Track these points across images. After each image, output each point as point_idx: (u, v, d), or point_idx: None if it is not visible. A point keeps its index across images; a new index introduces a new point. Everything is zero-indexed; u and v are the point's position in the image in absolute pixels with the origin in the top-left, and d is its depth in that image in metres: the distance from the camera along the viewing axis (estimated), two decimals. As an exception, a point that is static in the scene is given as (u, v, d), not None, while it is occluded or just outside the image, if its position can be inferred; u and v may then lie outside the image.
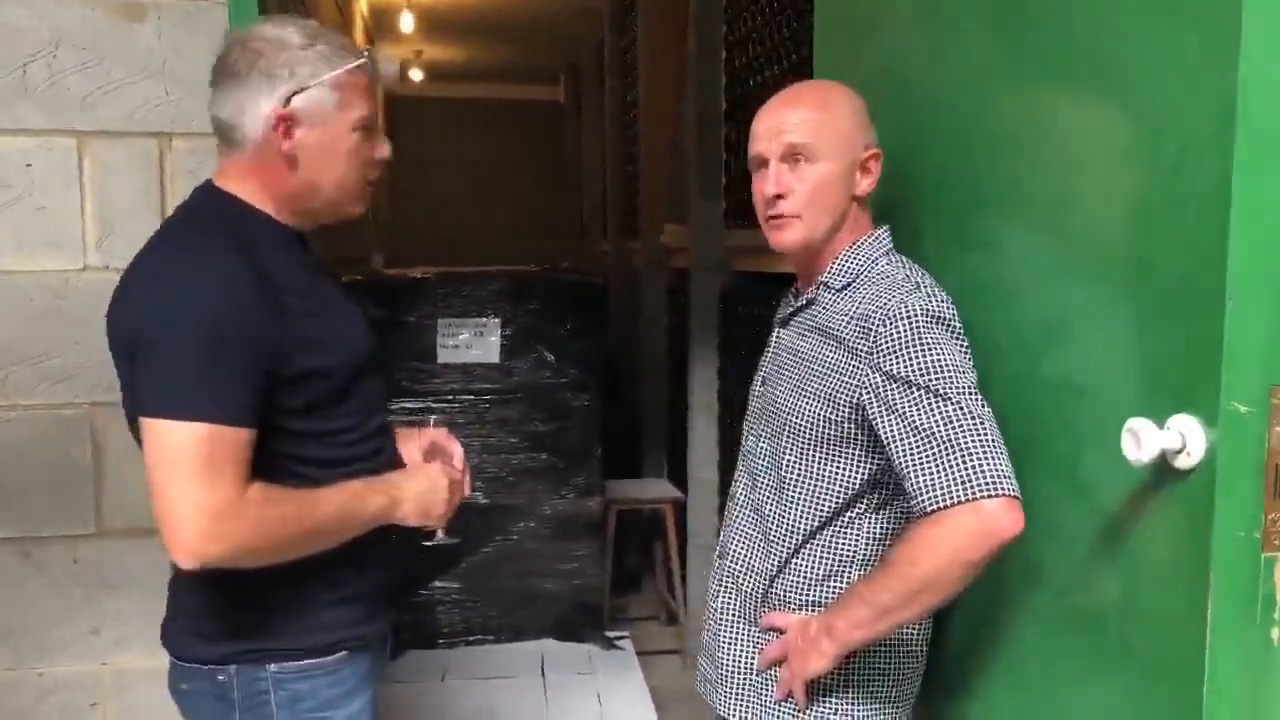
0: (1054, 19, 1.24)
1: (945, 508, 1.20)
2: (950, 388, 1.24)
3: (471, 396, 3.54)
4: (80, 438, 1.99)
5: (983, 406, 1.24)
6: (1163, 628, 1.08)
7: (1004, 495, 1.19)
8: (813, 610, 1.40)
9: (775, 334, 1.54)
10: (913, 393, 1.25)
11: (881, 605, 1.26)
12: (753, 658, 1.47)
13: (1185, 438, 1.01)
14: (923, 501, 1.22)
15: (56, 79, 1.93)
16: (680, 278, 4.38)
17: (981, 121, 1.40)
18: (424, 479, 1.45)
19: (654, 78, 4.94)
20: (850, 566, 1.40)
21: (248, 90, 1.30)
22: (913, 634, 1.43)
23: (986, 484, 1.19)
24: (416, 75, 8.77)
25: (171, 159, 1.97)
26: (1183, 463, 1.02)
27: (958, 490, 1.19)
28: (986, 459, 1.20)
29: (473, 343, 3.51)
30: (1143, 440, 1.02)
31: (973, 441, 1.21)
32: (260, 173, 1.34)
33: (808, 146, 1.39)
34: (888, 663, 1.42)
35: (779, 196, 1.40)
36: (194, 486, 1.20)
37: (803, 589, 1.42)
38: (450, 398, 3.52)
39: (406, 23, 6.81)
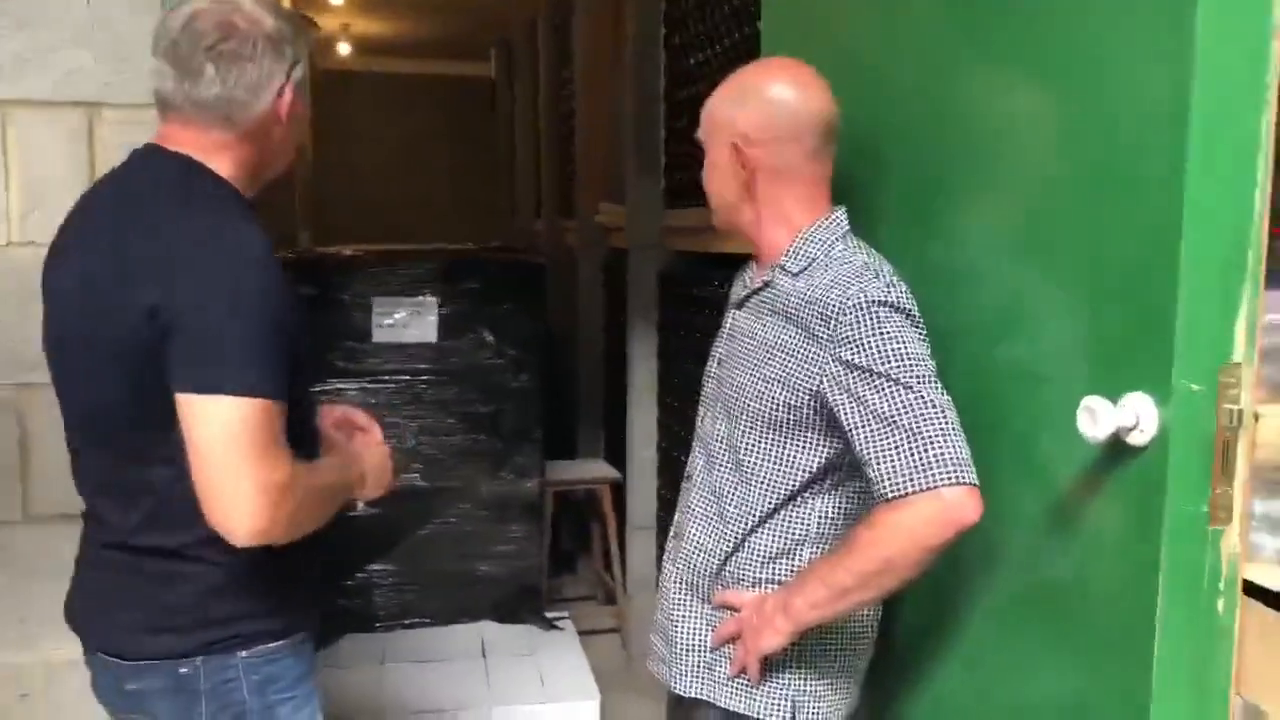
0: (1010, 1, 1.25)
1: (907, 494, 1.21)
2: (911, 376, 1.25)
3: (408, 377, 3.47)
4: (5, 421, 1.92)
5: (943, 394, 1.26)
6: (1115, 600, 1.10)
7: (965, 483, 1.20)
8: (765, 588, 1.42)
9: (730, 315, 1.53)
10: (874, 381, 1.26)
11: (839, 586, 1.28)
12: (706, 635, 1.47)
13: (1138, 415, 1.04)
14: (884, 488, 1.24)
15: (-23, 45, 1.85)
16: (617, 257, 4.35)
17: (936, 104, 1.41)
18: (376, 452, 1.48)
19: (591, 54, 4.89)
20: (803, 546, 1.41)
21: (263, 69, 1.29)
22: (865, 613, 1.44)
23: (947, 471, 1.20)
24: (344, 49, 8.59)
25: (102, 130, 1.89)
26: (1136, 440, 1.05)
27: (919, 477, 1.21)
28: (947, 447, 1.21)
29: (409, 322, 3.45)
30: (1099, 417, 1.04)
31: (933, 429, 1.22)
32: (241, 147, 1.32)
33: (705, 138, 1.47)
34: (839, 640, 1.43)
35: None
36: (256, 463, 1.17)
37: (756, 567, 1.43)
38: (386, 378, 3.45)
39: (335, -6, 6.66)
